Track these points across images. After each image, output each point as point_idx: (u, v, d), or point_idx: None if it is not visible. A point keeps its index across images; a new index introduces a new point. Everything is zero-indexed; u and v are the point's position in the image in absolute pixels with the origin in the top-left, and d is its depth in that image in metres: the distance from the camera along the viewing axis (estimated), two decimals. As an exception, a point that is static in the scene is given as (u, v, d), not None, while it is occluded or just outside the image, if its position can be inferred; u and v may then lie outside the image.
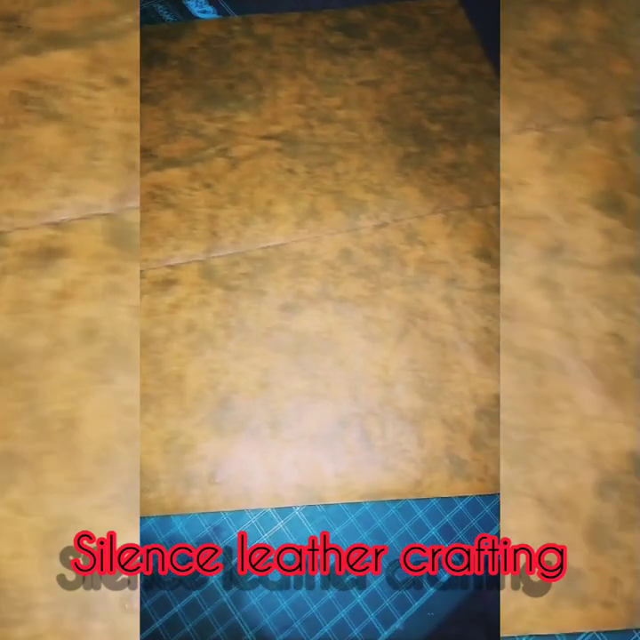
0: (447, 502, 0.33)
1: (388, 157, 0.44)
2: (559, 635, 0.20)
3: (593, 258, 0.22)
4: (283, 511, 0.32)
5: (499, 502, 0.33)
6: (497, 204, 0.42)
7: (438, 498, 0.33)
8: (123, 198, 0.30)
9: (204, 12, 0.50)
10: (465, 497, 0.33)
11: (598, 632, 0.19)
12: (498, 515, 0.33)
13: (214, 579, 0.30)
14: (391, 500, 0.33)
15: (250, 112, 0.45)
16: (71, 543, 0.25)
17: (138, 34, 0.38)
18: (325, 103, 0.46)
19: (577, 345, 0.22)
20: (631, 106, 0.22)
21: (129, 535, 0.27)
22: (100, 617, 0.25)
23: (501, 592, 0.21)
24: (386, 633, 0.30)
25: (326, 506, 0.32)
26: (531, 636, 0.22)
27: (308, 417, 0.34)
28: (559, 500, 0.20)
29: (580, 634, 0.20)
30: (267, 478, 0.32)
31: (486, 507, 0.33)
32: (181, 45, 0.47)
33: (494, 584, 0.28)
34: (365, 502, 0.32)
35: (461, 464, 0.34)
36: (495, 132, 0.46)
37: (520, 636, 0.24)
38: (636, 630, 0.19)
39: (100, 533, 0.26)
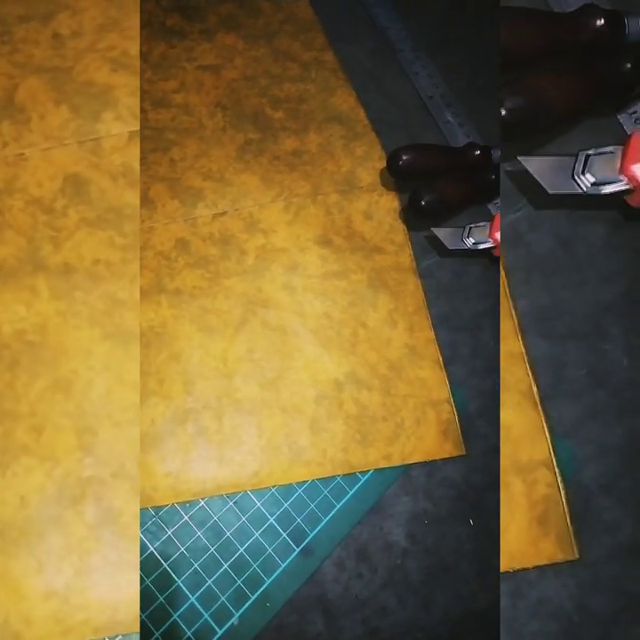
0: (286, 489, 0.33)
1: (228, 144, 0.43)
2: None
3: (314, 271, 0.39)
4: (109, 518, 0.30)
5: (338, 483, 0.34)
6: (338, 191, 0.43)
7: (277, 486, 0.33)
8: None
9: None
10: (304, 482, 0.33)
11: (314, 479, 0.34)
12: (336, 495, 0.33)
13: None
14: (229, 494, 0.32)
15: (75, 94, 0.41)
16: None
17: None
18: (160, 87, 0.44)
19: (305, 321, 0.37)
20: (336, 188, 0.42)
21: None
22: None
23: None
24: (221, 631, 0.29)
25: (158, 508, 0.31)
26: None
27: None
28: (294, 407, 0.35)
29: (293, 484, 0.33)
30: (90, 485, 0.30)
31: (326, 489, 0.33)
32: None
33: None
34: (200, 500, 0.31)
35: (300, 450, 0.34)
36: (337, 120, 0.46)
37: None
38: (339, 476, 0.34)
39: None
